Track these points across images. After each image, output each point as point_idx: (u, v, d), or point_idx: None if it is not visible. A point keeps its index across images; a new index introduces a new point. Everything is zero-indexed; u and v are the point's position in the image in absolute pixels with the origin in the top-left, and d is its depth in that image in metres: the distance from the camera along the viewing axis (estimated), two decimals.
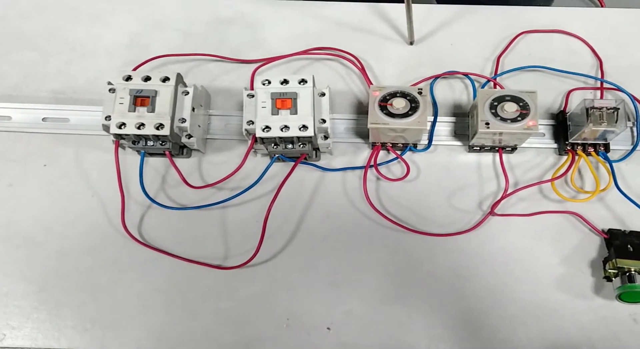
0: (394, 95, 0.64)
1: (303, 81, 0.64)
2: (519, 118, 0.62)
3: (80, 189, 0.70)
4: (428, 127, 0.64)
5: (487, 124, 0.63)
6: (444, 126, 0.71)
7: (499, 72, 0.74)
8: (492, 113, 0.63)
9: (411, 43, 0.74)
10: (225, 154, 0.71)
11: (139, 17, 0.78)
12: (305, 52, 0.75)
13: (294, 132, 0.62)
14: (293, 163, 0.68)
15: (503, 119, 0.62)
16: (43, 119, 0.72)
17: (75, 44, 0.77)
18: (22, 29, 0.78)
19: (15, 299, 0.66)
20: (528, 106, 0.63)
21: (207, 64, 0.76)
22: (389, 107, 0.64)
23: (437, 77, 0.73)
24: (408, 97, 0.64)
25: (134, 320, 0.65)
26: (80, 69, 0.76)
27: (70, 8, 0.80)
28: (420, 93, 0.64)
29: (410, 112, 0.63)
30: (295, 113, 0.63)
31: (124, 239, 0.67)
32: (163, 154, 0.68)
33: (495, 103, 0.63)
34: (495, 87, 0.72)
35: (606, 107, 0.63)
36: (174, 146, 0.67)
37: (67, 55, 0.77)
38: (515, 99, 0.63)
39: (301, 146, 0.65)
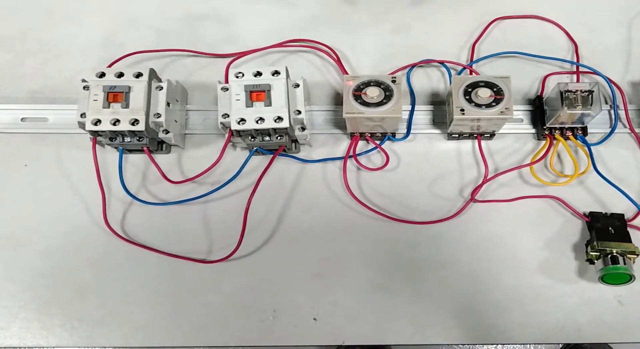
0: (367, 84, 0.64)
1: (276, 73, 0.65)
2: (494, 103, 0.63)
3: (62, 188, 0.70)
4: (403, 116, 0.64)
5: (462, 110, 0.63)
6: (422, 114, 0.72)
7: (474, 59, 0.74)
8: (467, 99, 0.63)
9: None
10: (204, 149, 0.72)
11: (112, 16, 0.78)
12: (280, 44, 0.75)
13: (269, 124, 0.63)
14: (271, 154, 0.68)
15: (478, 105, 0.63)
16: (22, 119, 0.73)
17: (50, 44, 0.77)
18: None
19: (2, 300, 0.66)
20: (502, 91, 0.63)
21: (182, 59, 0.76)
22: (363, 96, 0.64)
23: (412, 65, 0.74)
24: (382, 86, 0.64)
25: (121, 316, 0.66)
26: (57, 69, 0.76)
27: (43, 8, 0.79)
28: (394, 81, 0.64)
29: (384, 101, 0.63)
30: (270, 105, 0.63)
31: (107, 236, 0.68)
32: (142, 150, 0.68)
33: (470, 89, 0.63)
34: (471, 75, 0.72)
35: (580, 90, 0.64)
36: (151, 141, 0.67)
37: (43, 55, 0.77)
38: (489, 85, 0.63)
39: (278, 138, 0.65)
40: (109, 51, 0.76)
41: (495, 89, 0.63)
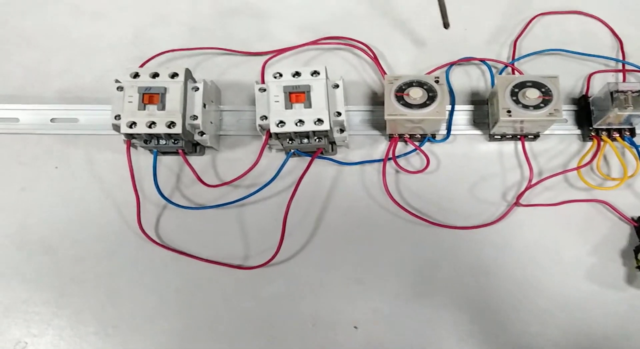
0: (410, 84, 0.62)
1: (315, 73, 0.62)
2: (542, 104, 0.60)
3: (94, 191, 0.68)
4: (447, 117, 0.62)
5: (509, 112, 0.61)
6: (462, 114, 0.69)
7: (516, 57, 0.71)
8: (514, 100, 0.61)
9: (446, 26, 0.67)
10: (239, 151, 0.70)
11: (142, 12, 0.76)
12: (315, 42, 0.73)
13: (309, 126, 0.61)
14: (309, 158, 0.66)
15: (525, 106, 0.61)
16: (51, 120, 0.71)
17: (78, 42, 0.75)
18: (22, 28, 0.76)
19: (35, 306, 0.65)
20: (550, 91, 0.61)
21: (215, 57, 0.74)
22: (405, 97, 0.62)
23: (452, 64, 0.71)
24: (425, 87, 0.62)
25: (155, 323, 0.64)
26: (86, 67, 0.74)
27: (70, 4, 0.77)
28: (437, 82, 0.62)
29: (428, 102, 0.61)
30: (310, 106, 0.61)
31: (141, 241, 0.66)
32: (176, 153, 0.67)
33: (517, 89, 0.61)
34: (513, 73, 0.70)
35: (631, 91, 0.62)
36: (186, 144, 0.65)
37: (71, 53, 0.75)
38: (536, 85, 0.61)
39: (317, 140, 0.63)
40: (139, 48, 0.74)
41: (543, 90, 0.61)
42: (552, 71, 0.69)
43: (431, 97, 0.61)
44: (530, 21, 0.73)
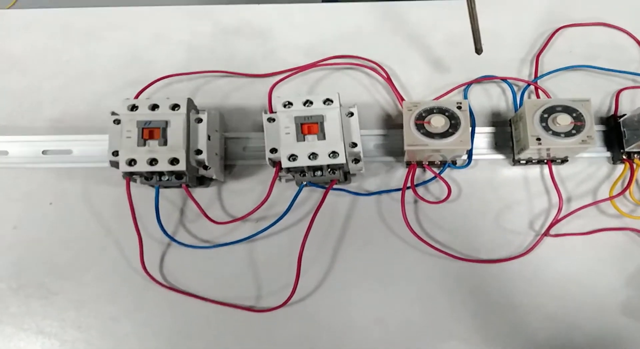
0: (430, 111, 0.58)
1: (328, 101, 0.58)
2: (574, 131, 0.56)
3: (93, 228, 0.64)
4: (471, 146, 0.58)
5: (539, 139, 0.56)
6: (483, 137, 0.65)
7: (539, 75, 0.67)
8: (543, 127, 0.57)
9: (478, 51, 0.62)
10: (245, 181, 0.65)
11: (137, 32, 0.71)
12: (323, 62, 0.68)
13: (323, 160, 0.56)
14: (321, 189, 0.62)
15: (556, 133, 0.56)
16: (43, 152, 0.66)
17: (69, 65, 0.70)
18: (8, 51, 0.71)
19: None
20: (582, 116, 0.57)
21: (216, 80, 0.69)
22: (426, 126, 0.57)
23: (470, 83, 0.67)
24: (447, 114, 0.58)
25: None
26: (78, 93, 0.69)
27: (60, 25, 0.72)
28: (459, 108, 0.58)
29: (450, 131, 0.57)
30: (324, 138, 0.57)
31: (145, 282, 0.62)
32: (179, 186, 0.62)
33: (546, 115, 0.57)
34: (537, 92, 0.65)
35: None
36: (190, 178, 0.60)
37: (62, 78, 0.70)
38: (567, 110, 0.57)
39: (331, 172, 0.59)
40: (134, 71, 0.69)
41: (574, 115, 0.57)
42: (577, 89, 0.66)
43: (454, 125, 0.57)
44: (552, 35, 0.69)
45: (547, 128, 0.56)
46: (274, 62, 0.69)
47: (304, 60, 0.68)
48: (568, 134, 0.56)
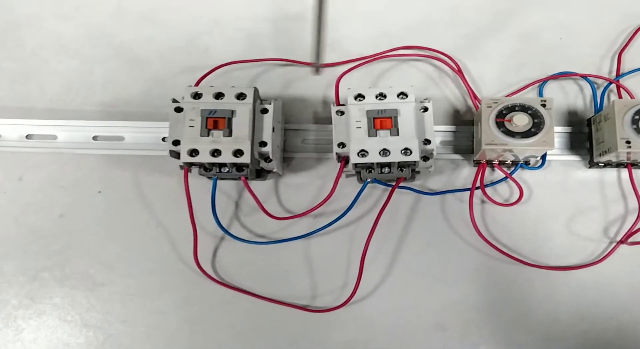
0: (511, 109, 0.54)
1: (402, 95, 0.55)
2: None
3: (142, 218, 0.61)
4: (554, 147, 0.54)
5: (629, 143, 0.53)
6: (558, 137, 0.61)
7: (621, 73, 0.63)
8: (634, 129, 0.53)
9: (316, 69, 0.61)
10: (303, 175, 0.62)
11: (195, 16, 0.68)
12: (389, 52, 0.65)
13: (395, 157, 0.53)
14: (384, 186, 0.59)
15: None
16: (94, 138, 0.63)
17: (122, 48, 0.67)
18: (59, 33, 0.68)
19: (79, 347, 0.58)
20: None
21: (276, 69, 0.66)
22: (507, 124, 0.54)
23: (547, 79, 0.63)
24: (529, 112, 0.54)
25: None
26: (132, 78, 0.66)
27: (113, 6, 0.69)
28: (544, 106, 0.54)
29: (533, 130, 0.53)
30: (397, 134, 0.53)
31: (196, 276, 0.59)
32: (237, 178, 0.59)
33: (637, 117, 0.53)
34: (618, 91, 0.62)
35: None
36: (250, 171, 0.57)
37: (115, 61, 0.67)
38: None
39: (400, 170, 0.56)
40: (191, 57, 0.66)
41: None
42: None
43: (536, 124, 0.53)
44: (636, 31, 0.65)
45: (638, 131, 0.53)
46: (337, 52, 0.65)
47: (369, 50, 0.65)
48: None
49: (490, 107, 0.54)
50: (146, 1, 0.68)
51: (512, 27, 0.66)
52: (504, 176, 0.60)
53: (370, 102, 0.54)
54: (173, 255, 0.60)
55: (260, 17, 0.67)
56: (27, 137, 0.63)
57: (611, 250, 0.58)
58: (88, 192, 0.62)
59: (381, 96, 0.54)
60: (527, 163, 0.60)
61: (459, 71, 0.63)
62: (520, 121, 0.53)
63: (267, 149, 0.54)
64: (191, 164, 0.55)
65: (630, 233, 0.57)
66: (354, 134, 0.53)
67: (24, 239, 0.61)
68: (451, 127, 0.62)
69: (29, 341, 0.59)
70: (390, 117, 0.53)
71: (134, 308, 0.59)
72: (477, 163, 0.60)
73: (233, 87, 0.55)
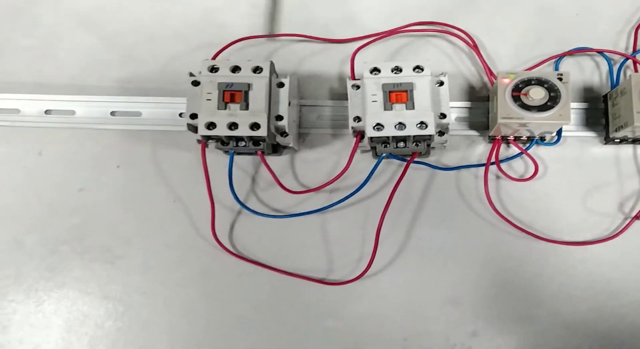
0: (528, 82, 0.54)
1: (418, 68, 0.55)
2: None
3: (161, 193, 0.62)
4: (570, 120, 0.54)
5: None
6: (574, 113, 0.61)
7: (638, 49, 0.62)
8: None
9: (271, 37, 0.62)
10: (319, 151, 0.63)
11: None
12: (404, 28, 0.65)
13: (411, 130, 0.53)
14: (399, 161, 0.59)
15: None
16: (112, 113, 0.64)
17: (138, 25, 0.68)
18: (76, 9, 0.68)
19: (99, 318, 0.59)
20: None
21: (291, 45, 0.66)
22: (523, 97, 0.54)
23: (564, 55, 0.63)
24: (545, 85, 0.54)
25: (232, 342, 0.59)
26: (148, 54, 0.66)
27: None
28: (560, 79, 0.54)
29: (549, 104, 0.53)
30: (412, 108, 0.54)
31: (214, 250, 0.60)
32: (253, 153, 0.59)
33: None
34: (635, 67, 0.61)
35: None
36: (267, 145, 0.58)
37: (131, 37, 0.67)
38: None
39: (415, 144, 0.56)
40: (207, 34, 0.66)
41: None
42: None
43: (552, 97, 0.53)
44: None
45: None
46: (352, 27, 0.66)
47: (384, 26, 0.65)
48: None
49: (507, 81, 0.54)
50: None
51: (528, 2, 0.66)
52: (520, 151, 0.60)
53: (386, 76, 0.54)
54: (191, 229, 0.61)
55: None
56: (46, 112, 0.64)
57: (626, 226, 0.58)
58: (107, 167, 0.63)
59: (397, 69, 0.55)
60: (542, 139, 0.60)
61: (475, 47, 0.63)
62: (537, 94, 0.53)
63: (284, 123, 0.55)
64: (208, 138, 0.56)
65: None
66: (369, 108, 0.54)
67: (43, 213, 0.62)
68: (466, 103, 0.62)
69: (50, 313, 0.60)
70: (406, 91, 0.54)
71: (153, 280, 0.60)
72: (493, 139, 0.60)
73: (249, 60, 0.55)
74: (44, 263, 0.61)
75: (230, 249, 0.60)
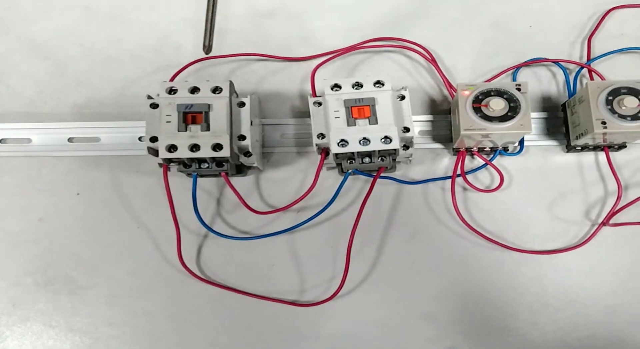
0: (487, 94, 0.55)
1: (379, 83, 0.55)
2: None
3: (123, 219, 0.60)
4: (532, 130, 0.55)
5: (604, 123, 0.53)
6: (535, 123, 0.62)
7: (592, 57, 0.64)
8: (609, 109, 0.54)
9: (206, 51, 0.64)
10: (284, 169, 0.62)
11: (165, 14, 0.67)
12: (362, 44, 0.65)
13: (375, 145, 0.53)
14: (366, 177, 0.59)
15: (622, 116, 0.53)
16: (69, 140, 0.62)
17: (93, 49, 0.66)
18: (29, 35, 0.67)
19: None
20: None
21: (251, 64, 0.66)
22: (483, 109, 0.54)
23: (520, 66, 0.64)
24: (505, 96, 0.54)
25: None
26: (105, 78, 0.65)
27: (83, 7, 0.68)
28: (519, 89, 0.55)
29: (510, 114, 0.54)
30: (376, 122, 0.54)
31: (182, 276, 0.59)
32: (216, 175, 0.58)
33: (611, 97, 0.54)
34: (590, 75, 0.63)
35: None
36: (230, 166, 0.57)
37: (87, 62, 0.66)
38: (632, 92, 0.54)
39: (381, 159, 0.56)
40: (164, 56, 0.66)
41: None
42: (631, 72, 0.63)
43: (512, 108, 0.54)
44: (603, 16, 0.66)
45: (612, 111, 0.53)
46: (310, 45, 0.66)
47: (342, 43, 0.65)
48: (635, 118, 0.53)
49: (467, 93, 0.54)
50: (115, 1, 0.67)
51: (483, 16, 0.67)
52: (484, 162, 0.60)
53: (347, 92, 0.54)
54: (156, 255, 0.59)
55: (233, 13, 0.67)
56: (1, 141, 0.62)
57: (594, 232, 0.59)
58: (66, 195, 0.61)
59: (358, 85, 0.54)
60: (505, 149, 0.61)
61: (433, 60, 0.64)
62: (497, 105, 0.53)
63: (247, 143, 0.54)
64: (170, 161, 0.54)
65: (611, 215, 0.58)
66: (333, 124, 0.53)
67: (3, 245, 0.60)
68: (429, 117, 0.63)
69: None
70: (368, 106, 0.53)
71: (119, 310, 0.58)
72: (457, 151, 0.60)
73: (208, 81, 0.54)
74: (5, 296, 0.59)
75: (198, 274, 0.58)
